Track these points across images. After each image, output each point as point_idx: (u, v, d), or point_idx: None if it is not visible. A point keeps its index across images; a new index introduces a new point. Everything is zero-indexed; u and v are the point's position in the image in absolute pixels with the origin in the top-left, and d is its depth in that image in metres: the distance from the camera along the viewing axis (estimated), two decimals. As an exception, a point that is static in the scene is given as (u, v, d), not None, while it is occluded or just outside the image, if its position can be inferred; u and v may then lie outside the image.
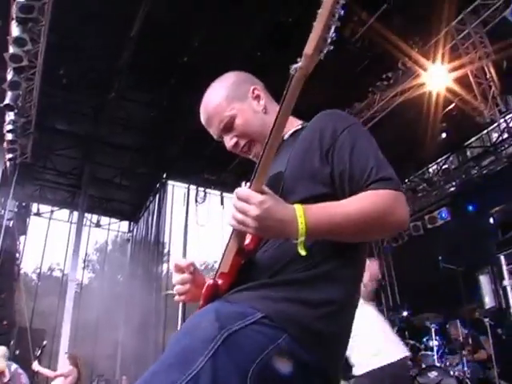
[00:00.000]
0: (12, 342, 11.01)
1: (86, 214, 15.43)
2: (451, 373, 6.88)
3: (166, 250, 15.48)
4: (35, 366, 8.79)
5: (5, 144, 10.26)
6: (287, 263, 1.35)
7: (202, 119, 1.71)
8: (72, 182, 14.62)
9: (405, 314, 9.06)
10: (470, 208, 10.20)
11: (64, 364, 9.63)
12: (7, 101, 9.16)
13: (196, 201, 14.59)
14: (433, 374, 6.84)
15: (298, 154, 1.48)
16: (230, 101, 1.64)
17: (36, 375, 9.16)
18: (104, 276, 19.95)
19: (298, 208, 1.27)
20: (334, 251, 1.38)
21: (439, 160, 11.79)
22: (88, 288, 19.20)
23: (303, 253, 1.24)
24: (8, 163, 11.02)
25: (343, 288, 1.40)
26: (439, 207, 10.95)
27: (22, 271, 14.16)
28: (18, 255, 12.84)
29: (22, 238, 13.33)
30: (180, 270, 1.56)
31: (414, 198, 11.82)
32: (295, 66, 1.19)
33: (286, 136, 1.63)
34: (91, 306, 17.09)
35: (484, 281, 7.83)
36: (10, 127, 9.75)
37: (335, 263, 1.39)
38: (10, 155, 10.58)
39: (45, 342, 9.52)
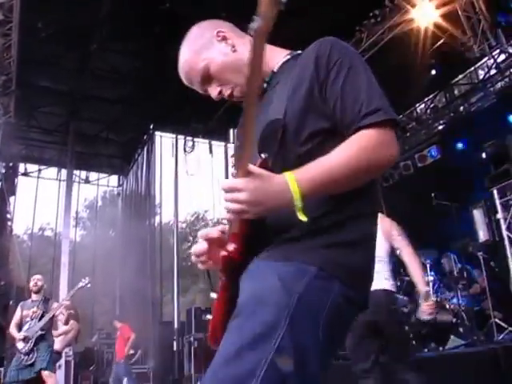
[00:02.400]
0: (11, 302, 11.08)
1: (75, 171, 15.40)
2: (447, 306, 7.04)
3: (157, 202, 15.54)
4: None
5: (-13, 103, 10.08)
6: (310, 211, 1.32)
7: (184, 81, 1.71)
8: (58, 140, 14.48)
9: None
10: (460, 145, 10.24)
11: (62, 320, 9.72)
12: (-15, 58, 8.92)
13: (185, 150, 14.53)
14: (429, 309, 7.00)
15: (297, 89, 1.46)
16: (198, 53, 1.63)
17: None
18: (96, 232, 19.97)
19: (289, 176, 1.27)
20: (354, 191, 1.38)
21: (426, 99, 11.74)
22: (81, 245, 19.27)
23: (303, 219, 1.24)
24: (-9, 123, 10.84)
25: (370, 222, 1.46)
26: (429, 145, 10.96)
27: (13, 233, 14.15)
28: (8, 216, 12.77)
29: (11, 199, 13.22)
30: (206, 239, 1.57)
31: (404, 138, 11.81)
32: (252, 25, 1.10)
33: (275, 68, 1.61)
34: (86, 263, 17.22)
35: (477, 215, 7.90)
36: (-10, 86, 9.54)
37: (358, 201, 1.41)
38: (-7, 115, 10.41)
39: None
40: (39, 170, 15.81)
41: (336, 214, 1.37)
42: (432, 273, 7.98)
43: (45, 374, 6.60)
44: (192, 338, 11.68)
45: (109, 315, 16.96)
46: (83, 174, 16.62)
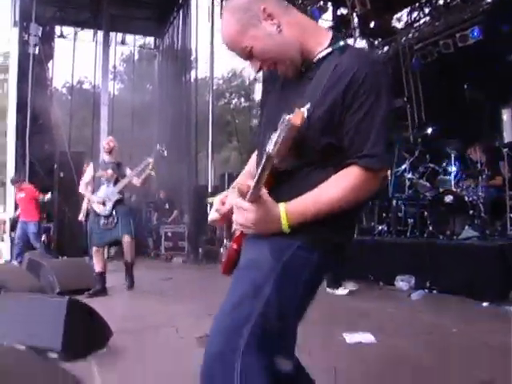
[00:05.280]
0: (56, 166, 11.75)
1: (111, 33, 15.29)
2: (466, 198, 7.19)
3: (193, 57, 15.49)
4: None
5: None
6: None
7: (226, 47, 1.77)
8: (93, 2, 14.21)
9: (429, 130, 9.18)
10: (505, 28, 9.68)
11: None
12: None
13: (221, 14, 14.16)
14: (448, 198, 7.26)
15: (324, 101, 1.59)
16: (244, 31, 1.65)
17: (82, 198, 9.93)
18: (134, 86, 20.04)
19: (282, 210, 1.58)
20: None
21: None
22: (119, 98, 19.45)
23: (287, 232, 1.60)
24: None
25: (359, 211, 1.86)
26: (472, 25, 10.42)
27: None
28: (48, 82, 12.98)
29: (49, 65, 13.33)
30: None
31: (446, 13, 11.23)
32: (268, 150, 1.36)
33: (315, 59, 1.70)
34: (124, 116, 17.59)
35: (507, 116, 7.77)
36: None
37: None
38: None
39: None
40: (75, 33, 15.77)
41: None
42: (456, 163, 7.99)
43: (126, 238, 7.02)
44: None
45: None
46: (119, 36, 16.50)
